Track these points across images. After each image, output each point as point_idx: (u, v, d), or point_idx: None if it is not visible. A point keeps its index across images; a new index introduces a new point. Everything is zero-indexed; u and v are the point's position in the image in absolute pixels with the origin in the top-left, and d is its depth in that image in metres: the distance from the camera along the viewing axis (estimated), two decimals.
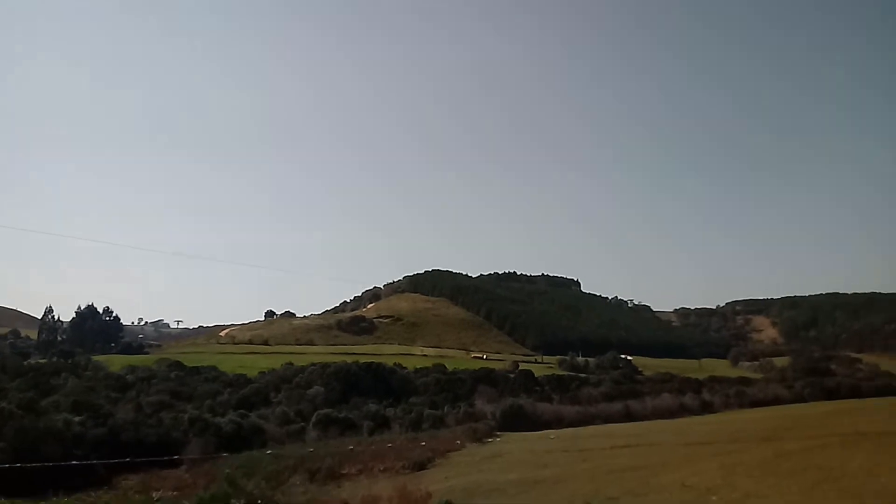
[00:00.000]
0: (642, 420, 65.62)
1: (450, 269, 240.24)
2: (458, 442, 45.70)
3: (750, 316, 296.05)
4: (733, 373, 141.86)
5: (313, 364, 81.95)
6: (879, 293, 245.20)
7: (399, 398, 70.19)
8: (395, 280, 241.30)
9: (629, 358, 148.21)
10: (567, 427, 60.90)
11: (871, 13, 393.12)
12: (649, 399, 71.03)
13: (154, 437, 46.31)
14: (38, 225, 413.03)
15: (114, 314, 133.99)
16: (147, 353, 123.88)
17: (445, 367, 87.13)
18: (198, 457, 42.59)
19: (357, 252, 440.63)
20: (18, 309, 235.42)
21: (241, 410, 52.33)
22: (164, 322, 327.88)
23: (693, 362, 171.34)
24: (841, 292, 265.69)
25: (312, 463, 35.65)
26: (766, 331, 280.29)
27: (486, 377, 78.11)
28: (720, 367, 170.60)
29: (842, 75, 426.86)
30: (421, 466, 32.98)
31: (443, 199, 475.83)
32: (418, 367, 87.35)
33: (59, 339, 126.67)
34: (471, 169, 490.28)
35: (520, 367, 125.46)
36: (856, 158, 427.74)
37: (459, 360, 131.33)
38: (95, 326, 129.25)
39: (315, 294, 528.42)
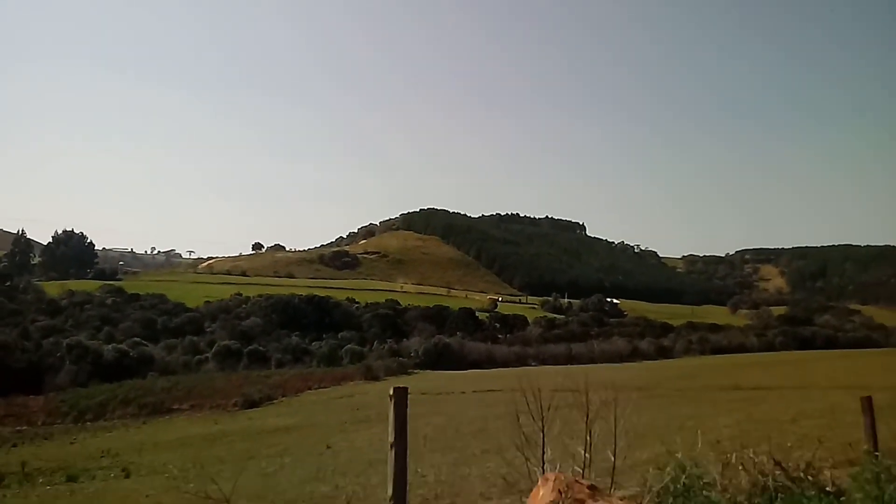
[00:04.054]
0: (584, 363, 62.56)
1: (446, 209, 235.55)
2: (351, 381, 42.61)
3: (759, 265, 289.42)
4: (731, 321, 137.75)
5: (259, 296, 79.26)
6: (892, 246, 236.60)
7: (338, 332, 67.60)
8: (392, 217, 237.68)
9: (616, 301, 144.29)
10: (500, 367, 57.96)
11: None
12: (596, 342, 67.71)
13: (24, 362, 43.64)
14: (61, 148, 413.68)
15: (89, 240, 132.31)
16: (120, 280, 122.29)
17: (398, 303, 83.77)
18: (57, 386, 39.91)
19: (364, 190, 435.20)
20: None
21: (136, 338, 49.60)
22: (177, 252, 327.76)
23: (689, 308, 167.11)
24: (854, 244, 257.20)
25: (151, 396, 32.71)
26: (774, 280, 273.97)
27: (436, 315, 74.91)
28: (719, 315, 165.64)
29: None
30: (253, 404, 29.91)
31: (452, 139, 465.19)
32: (370, 301, 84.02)
33: (31, 262, 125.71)
34: (485, 112, 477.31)
35: (497, 307, 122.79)
36: (875, 107, 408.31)
37: (454, 298, 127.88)
38: (69, 252, 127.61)
39: (317, 229, 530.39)
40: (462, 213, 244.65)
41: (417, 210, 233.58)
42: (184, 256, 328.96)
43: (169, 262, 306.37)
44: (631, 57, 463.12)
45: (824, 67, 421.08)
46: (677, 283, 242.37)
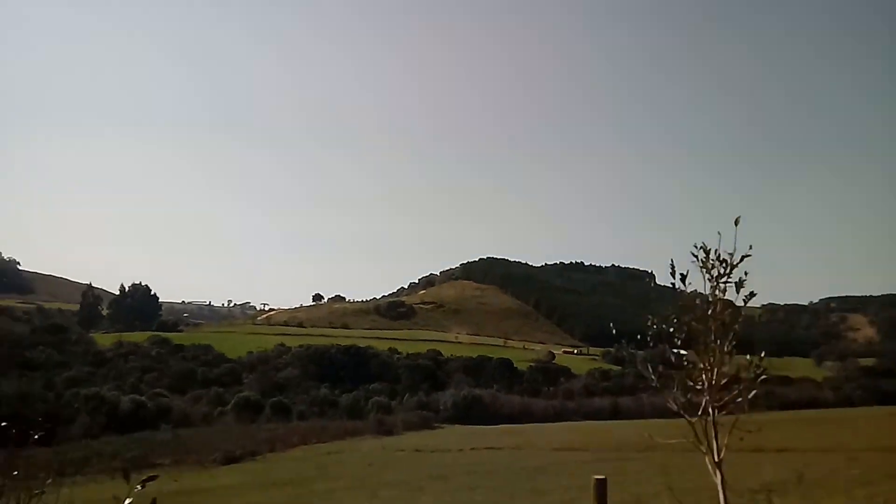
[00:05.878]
0: (633, 419, 58.36)
1: (506, 258, 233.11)
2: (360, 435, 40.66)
3: (846, 314, 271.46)
4: (815, 374, 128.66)
5: (300, 346, 78.73)
6: None
7: (372, 382, 66.01)
8: (451, 267, 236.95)
9: (683, 353, 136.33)
10: (537, 422, 54.65)
11: None
12: (645, 396, 62.94)
13: (41, 412, 43.52)
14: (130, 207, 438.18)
15: (153, 292, 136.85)
16: (180, 331, 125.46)
17: (440, 354, 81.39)
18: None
19: (434, 238, 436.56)
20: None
21: (157, 389, 49.22)
22: (251, 305, 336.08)
23: (765, 361, 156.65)
24: None
25: (137, 450, 31.46)
26: (864, 330, 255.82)
27: (477, 366, 71.95)
28: (802, 368, 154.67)
29: None
30: (233, 460, 28.07)
31: (517, 182, 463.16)
32: (412, 352, 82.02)
33: (100, 314, 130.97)
34: (553, 157, 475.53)
35: (555, 359, 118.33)
36: None
37: (510, 350, 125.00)
38: (135, 304, 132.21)
39: (382, 281, 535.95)
40: (523, 261, 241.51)
41: (476, 259, 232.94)
42: (257, 308, 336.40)
43: (243, 314, 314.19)
44: (702, 100, 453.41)
45: None
46: (755, 334, 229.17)
